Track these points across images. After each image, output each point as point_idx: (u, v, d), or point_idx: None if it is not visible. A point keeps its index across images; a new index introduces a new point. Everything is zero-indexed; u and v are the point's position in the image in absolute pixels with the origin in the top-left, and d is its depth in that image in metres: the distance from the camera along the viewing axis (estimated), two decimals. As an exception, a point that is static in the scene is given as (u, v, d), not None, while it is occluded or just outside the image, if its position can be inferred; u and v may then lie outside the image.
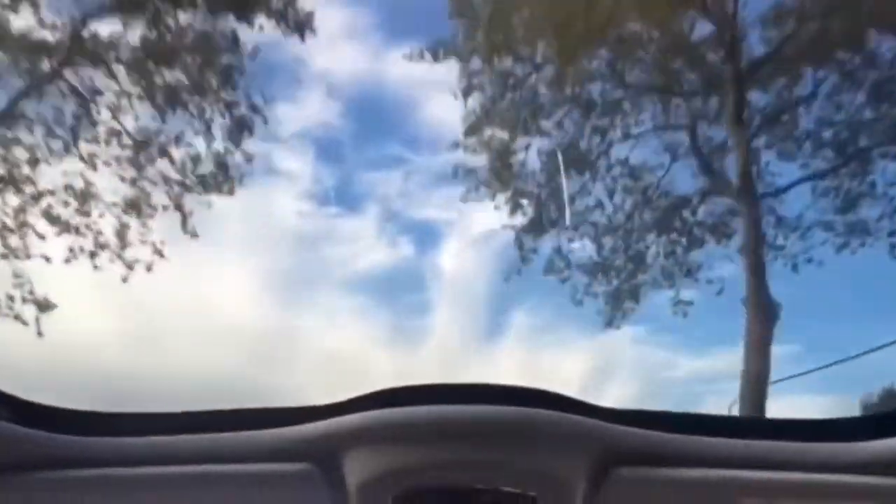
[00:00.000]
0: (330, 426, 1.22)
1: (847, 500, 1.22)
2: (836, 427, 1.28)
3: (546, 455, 1.20)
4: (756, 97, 5.14)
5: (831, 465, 1.21)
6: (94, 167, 4.73)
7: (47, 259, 4.39)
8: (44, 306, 4.23)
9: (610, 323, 5.02)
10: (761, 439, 1.24)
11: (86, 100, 4.76)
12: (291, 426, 1.25)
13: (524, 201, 5.10)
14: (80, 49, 4.64)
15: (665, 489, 1.23)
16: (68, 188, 4.72)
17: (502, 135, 5.09)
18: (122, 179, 4.72)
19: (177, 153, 4.59)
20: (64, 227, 4.64)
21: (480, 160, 5.09)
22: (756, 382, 4.22)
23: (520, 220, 5.09)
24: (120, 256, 4.44)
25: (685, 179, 4.91)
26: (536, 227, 5.10)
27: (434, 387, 1.24)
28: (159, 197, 4.40)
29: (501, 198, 5.12)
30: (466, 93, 5.12)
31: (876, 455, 1.20)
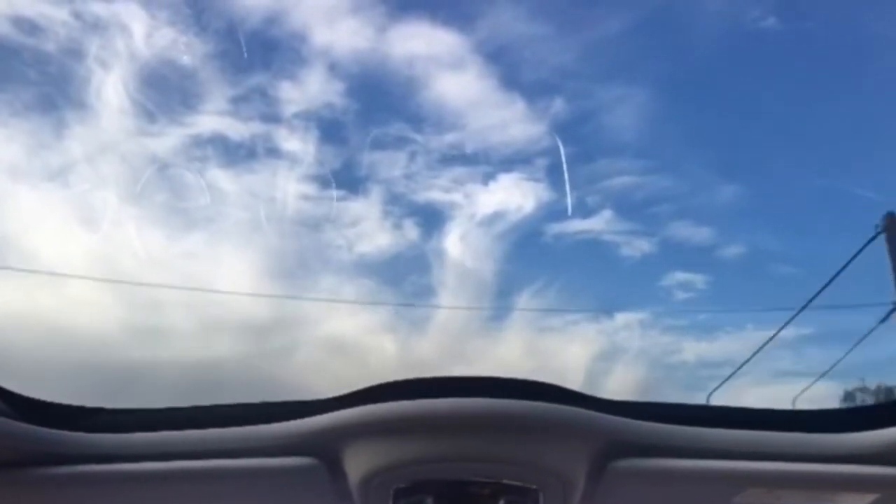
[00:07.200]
0: (331, 420, 1.22)
1: (848, 490, 1.22)
2: (836, 417, 1.28)
3: (548, 447, 1.20)
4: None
5: (832, 455, 1.21)
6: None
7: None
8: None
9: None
10: (762, 430, 1.23)
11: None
12: (293, 420, 1.25)
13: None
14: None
15: (667, 480, 1.23)
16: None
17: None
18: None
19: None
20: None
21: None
22: None
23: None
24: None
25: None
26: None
27: (435, 380, 1.23)
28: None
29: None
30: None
31: (877, 445, 1.20)
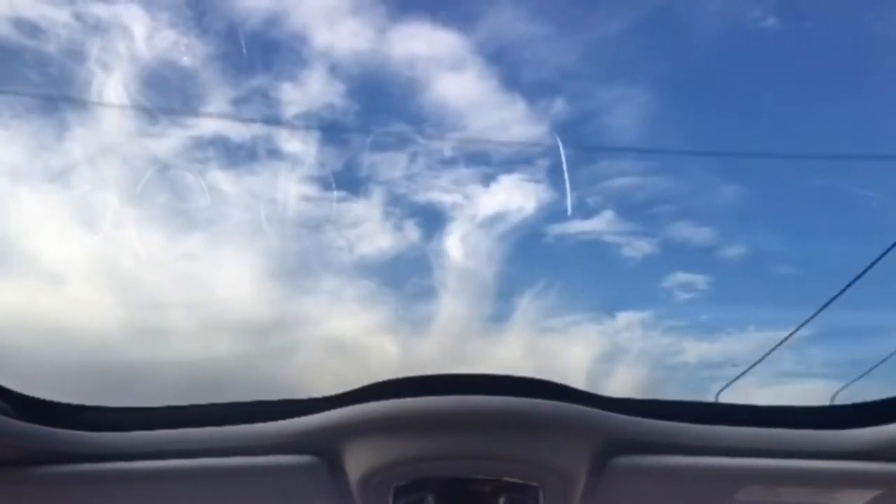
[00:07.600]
0: (331, 418, 1.21)
1: (849, 487, 1.22)
2: (836, 413, 1.28)
3: (548, 445, 1.20)
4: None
5: (833, 451, 1.20)
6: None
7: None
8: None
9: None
10: (762, 427, 1.23)
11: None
12: (293, 418, 1.24)
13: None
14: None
15: (667, 478, 1.23)
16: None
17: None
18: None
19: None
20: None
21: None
22: None
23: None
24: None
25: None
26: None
27: (435, 378, 1.23)
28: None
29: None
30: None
31: (877, 441, 1.20)
